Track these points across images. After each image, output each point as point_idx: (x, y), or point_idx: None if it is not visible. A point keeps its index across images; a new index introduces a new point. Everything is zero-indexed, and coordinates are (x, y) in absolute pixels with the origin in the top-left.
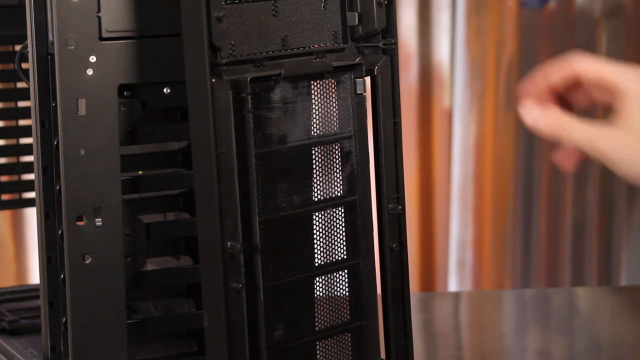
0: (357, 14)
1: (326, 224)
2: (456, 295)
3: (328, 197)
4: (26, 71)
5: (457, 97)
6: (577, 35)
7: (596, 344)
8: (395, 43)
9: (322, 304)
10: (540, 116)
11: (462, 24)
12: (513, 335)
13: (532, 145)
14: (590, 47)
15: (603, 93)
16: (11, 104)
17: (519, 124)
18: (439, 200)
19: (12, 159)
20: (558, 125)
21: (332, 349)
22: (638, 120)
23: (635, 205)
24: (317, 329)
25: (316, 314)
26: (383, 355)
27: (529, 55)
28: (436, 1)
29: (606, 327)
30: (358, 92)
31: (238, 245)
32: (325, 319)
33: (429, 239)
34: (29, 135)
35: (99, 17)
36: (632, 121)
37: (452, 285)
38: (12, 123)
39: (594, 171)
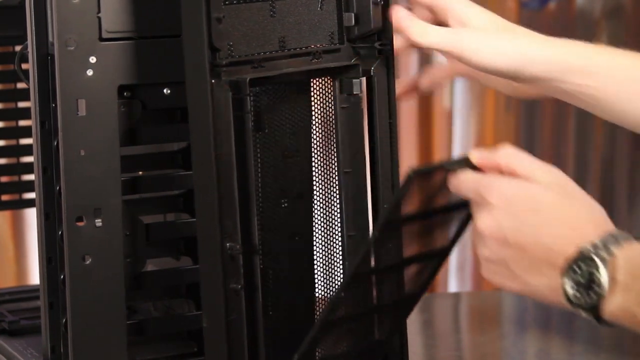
0: (353, 14)
1: (325, 224)
2: (456, 295)
3: (326, 197)
4: (26, 72)
5: (457, 97)
6: (577, 36)
7: (596, 344)
8: (391, 44)
9: (321, 304)
10: (411, 26)
11: None
12: (513, 336)
13: (532, 146)
14: None
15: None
16: (11, 105)
17: (519, 124)
18: None
19: (12, 160)
20: (424, 33)
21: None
22: (482, 21)
23: (635, 205)
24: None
25: (315, 315)
26: None
27: None
28: None
29: (606, 327)
30: (354, 93)
31: (237, 246)
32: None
33: None
34: (29, 135)
35: (99, 18)
36: (478, 21)
37: (452, 286)
38: (12, 124)
39: (594, 171)
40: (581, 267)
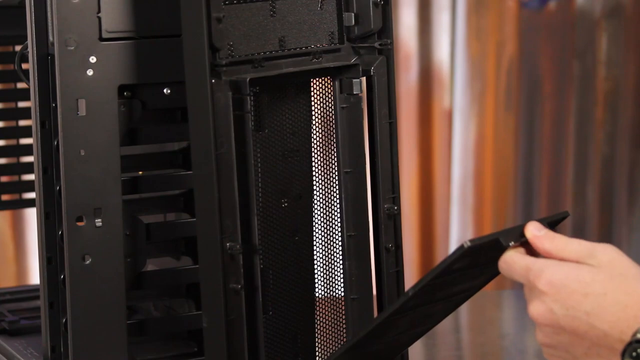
0: (353, 14)
1: (325, 224)
2: None
3: (326, 197)
4: (26, 72)
5: (457, 97)
6: (577, 36)
7: None
8: (391, 44)
9: (321, 304)
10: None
11: (462, 24)
12: (513, 335)
13: (532, 145)
14: (590, 47)
15: None
16: (11, 105)
17: (519, 124)
18: (439, 200)
19: (13, 160)
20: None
21: (331, 350)
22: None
23: (635, 205)
24: (315, 329)
25: (315, 315)
26: None
27: (529, 56)
28: (436, 2)
29: None
30: (354, 93)
31: (237, 246)
32: (324, 319)
33: (429, 239)
34: (29, 135)
35: (99, 18)
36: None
37: None
38: (12, 123)
39: (594, 171)
40: (638, 352)
